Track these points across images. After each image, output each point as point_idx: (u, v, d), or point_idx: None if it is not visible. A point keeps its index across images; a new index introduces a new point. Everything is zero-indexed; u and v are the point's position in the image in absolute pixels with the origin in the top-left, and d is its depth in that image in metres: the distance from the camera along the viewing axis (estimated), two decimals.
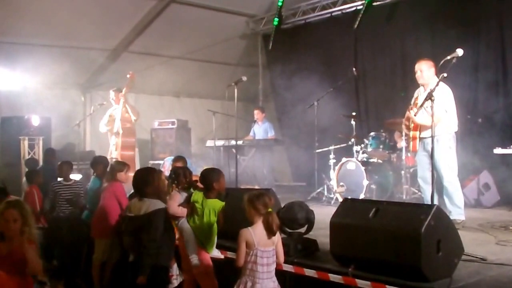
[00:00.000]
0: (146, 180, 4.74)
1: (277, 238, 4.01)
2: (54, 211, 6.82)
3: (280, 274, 4.06)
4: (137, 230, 4.56)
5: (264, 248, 3.89)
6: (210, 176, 4.93)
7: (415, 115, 6.27)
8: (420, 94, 6.60)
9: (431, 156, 5.61)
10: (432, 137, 5.44)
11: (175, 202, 5.08)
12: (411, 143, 6.68)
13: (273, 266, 3.95)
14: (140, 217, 4.57)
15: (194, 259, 4.84)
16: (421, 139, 6.54)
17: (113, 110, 9.87)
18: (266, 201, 3.98)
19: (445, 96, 6.29)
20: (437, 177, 6.29)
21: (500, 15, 8.87)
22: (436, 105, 5.94)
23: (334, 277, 4.31)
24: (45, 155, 9.26)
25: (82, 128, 11.87)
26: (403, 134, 8.41)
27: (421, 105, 5.98)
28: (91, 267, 6.17)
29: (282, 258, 4.09)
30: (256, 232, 3.90)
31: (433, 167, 5.73)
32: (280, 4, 11.51)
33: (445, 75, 5.92)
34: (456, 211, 6.31)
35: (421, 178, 6.72)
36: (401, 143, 8.61)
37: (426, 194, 6.46)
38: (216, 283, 4.82)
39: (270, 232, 3.92)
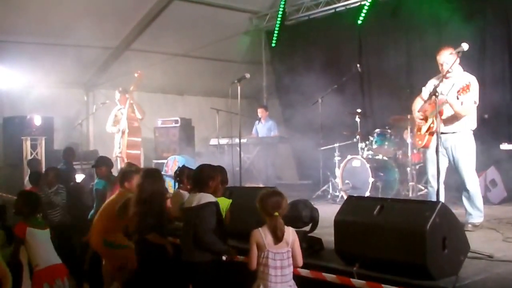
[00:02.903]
0: (211, 175, 4.58)
1: (293, 238, 3.82)
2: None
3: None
4: (189, 222, 4.45)
5: (276, 249, 3.73)
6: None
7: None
8: (438, 85, 5.73)
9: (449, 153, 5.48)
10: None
11: (176, 204, 4.98)
12: (426, 138, 6.03)
13: (289, 270, 3.77)
14: (192, 208, 4.42)
15: None
16: (441, 133, 5.82)
17: (118, 110, 9.77)
18: (274, 202, 3.79)
19: (476, 86, 5.95)
20: (457, 179, 6.14)
21: (506, 9, 8.76)
22: (469, 96, 5.72)
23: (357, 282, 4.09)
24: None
25: (85, 127, 11.85)
26: (409, 129, 8.35)
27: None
28: (97, 270, 6.06)
29: (300, 260, 3.86)
30: (267, 233, 3.76)
31: (439, 164, 5.46)
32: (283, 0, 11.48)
33: (450, 70, 5.86)
34: (477, 214, 5.99)
35: (433, 177, 6.05)
36: (408, 140, 8.49)
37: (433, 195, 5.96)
38: None
39: (275, 237, 3.75)
